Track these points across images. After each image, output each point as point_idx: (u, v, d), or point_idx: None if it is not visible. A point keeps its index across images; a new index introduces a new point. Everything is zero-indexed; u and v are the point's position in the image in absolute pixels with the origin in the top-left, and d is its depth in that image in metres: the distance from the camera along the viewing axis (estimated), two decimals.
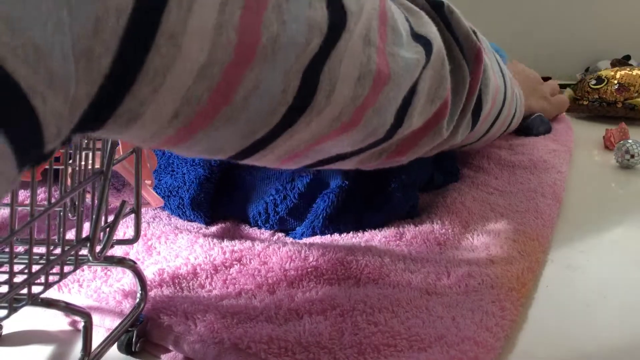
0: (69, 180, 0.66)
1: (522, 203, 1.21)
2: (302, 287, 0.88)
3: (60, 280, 0.65)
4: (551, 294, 0.92)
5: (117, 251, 0.99)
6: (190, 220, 1.12)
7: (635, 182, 1.44)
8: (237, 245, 0.98)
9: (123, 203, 0.69)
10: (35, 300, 0.65)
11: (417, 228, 1.07)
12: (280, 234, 1.07)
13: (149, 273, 0.90)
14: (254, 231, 1.08)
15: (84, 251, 0.67)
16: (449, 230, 1.06)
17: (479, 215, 1.14)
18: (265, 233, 1.07)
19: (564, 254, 1.05)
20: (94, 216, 0.66)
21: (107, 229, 0.69)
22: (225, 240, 1.02)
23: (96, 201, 0.66)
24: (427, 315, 0.80)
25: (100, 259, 0.67)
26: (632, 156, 1.50)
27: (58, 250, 0.64)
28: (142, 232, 1.06)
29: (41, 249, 0.67)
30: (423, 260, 0.96)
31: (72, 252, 0.65)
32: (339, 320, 0.78)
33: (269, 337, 0.73)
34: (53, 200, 0.62)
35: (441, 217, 1.10)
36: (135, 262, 0.77)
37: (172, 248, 0.99)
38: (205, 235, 1.04)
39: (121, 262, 0.76)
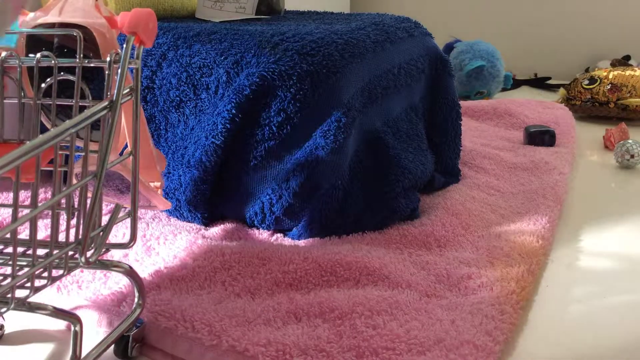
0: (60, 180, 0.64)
1: (523, 204, 1.21)
2: (301, 289, 0.87)
3: (49, 284, 0.63)
4: (551, 294, 0.91)
5: (117, 253, 0.99)
6: (189, 222, 1.11)
7: (635, 182, 1.43)
8: (236, 246, 0.97)
9: (117, 206, 0.67)
10: (22, 304, 0.63)
11: (417, 230, 1.06)
12: (279, 235, 1.07)
13: (148, 274, 0.90)
14: (253, 232, 1.07)
15: (78, 255, 0.65)
16: (449, 232, 1.06)
17: (479, 217, 1.13)
18: (264, 234, 1.07)
19: (564, 254, 1.05)
20: (84, 219, 0.63)
21: (101, 233, 0.67)
22: (224, 241, 1.02)
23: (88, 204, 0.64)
24: (426, 318, 0.79)
25: (92, 263, 0.65)
26: (632, 156, 1.49)
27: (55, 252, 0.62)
28: (142, 233, 1.06)
29: (40, 252, 0.66)
30: (423, 262, 0.95)
31: (62, 256, 0.63)
32: (338, 322, 0.78)
33: (267, 340, 0.73)
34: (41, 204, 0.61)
35: (441, 219, 1.10)
36: (131, 267, 0.75)
37: (171, 249, 0.99)
38: (204, 237, 1.03)
39: (117, 266, 0.74)
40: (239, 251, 0.96)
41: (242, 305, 0.81)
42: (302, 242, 1.03)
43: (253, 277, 0.89)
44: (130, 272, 0.74)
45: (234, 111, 1.02)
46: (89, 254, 0.64)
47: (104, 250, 0.68)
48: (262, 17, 1.45)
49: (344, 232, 1.05)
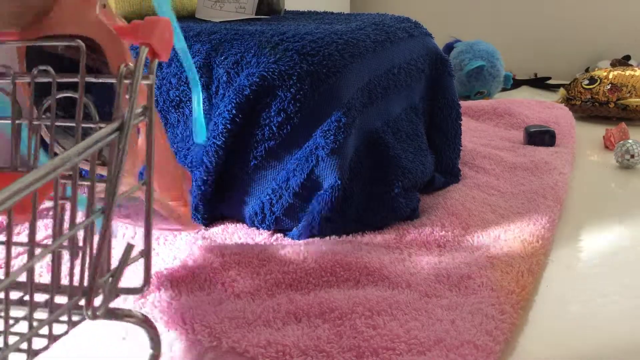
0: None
1: (523, 205, 1.20)
2: (301, 289, 0.87)
3: (50, 344, 0.54)
4: (551, 294, 0.91)
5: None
6: None
7: (635, 182, 1.43)
8: (236, 247, 0.97)
9: (129, 246, 0.56)
10: None
11: (417, 230, 1.06)
12: (279, 235, 1.07)
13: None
14: (253, 232, 1.07)
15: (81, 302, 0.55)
16: (449, 232, 1.06)
17: (479, 217, 1.13)
18: (264, 234, 1.07)
19: (564, 254, 1.05)
20: (90, 264, 0.53)
21: (110, 279, 0.56)
22: (224, 241, 1.01)
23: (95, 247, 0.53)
24: (426, 318, 0.79)
25: (100, 317, 0.55)
26: (632, 156, 1.49)
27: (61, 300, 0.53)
28: (141, 234, 1.06)
29: (37, 297, 0.56)
30: (422, 263, 0.95)
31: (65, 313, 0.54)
32: (338, 323, 0.78)
33: (267, 341, 0.73)
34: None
35: (441, 219, 1.10)
36: (145, 316, 0.63)
37: (171, 250, 0.99)
38: (204, 237, 1.03)
39: (129, 315, 0.62)
40: (238, 252, 0.95)
41: (242, 306, 0.81)
42: (302, 242, 1.02)
43: (253, 278, 0.89)
44: (145, 321, 0.63)
45: (234, 111, 1.02)
46: (96, 305, 0.54)
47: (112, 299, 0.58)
48: (262, 17, 1.45)
49: (344, 232, 1.05)
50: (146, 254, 0.58)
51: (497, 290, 0.86)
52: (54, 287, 0.54)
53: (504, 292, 0.85)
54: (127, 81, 0.57)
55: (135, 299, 0.83)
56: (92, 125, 0.60)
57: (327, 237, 1.04)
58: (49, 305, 0.53)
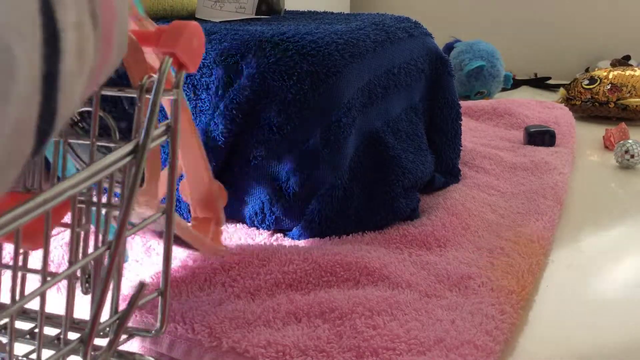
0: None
1: (523, 204, 1.20)
2: (301, 289, 0.87)
3: None
4: (551, 294, 0.91)
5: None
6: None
7: (635, 182, 1.43)
8: (235, 247, 0.97)
9: (141, 285, 0.50)
10: None
11: (417, 230, 1.06)
12: (279, 235, 1.07)
13: (147, 276, 0.90)
14: (253, 232, 1.07)
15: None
16: (449, 232, 1.06)
17: (479, 217, 1.13)
18: (264, 234, 1.07)
19: (564, 254, 1.05)
20: (92, 303, 0.46)
21: (117, 322, 0.49)
22: (224, 242, 1.01)
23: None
24: (426, 318, 0.79)
25: None
26: (632, 156, 1.49)
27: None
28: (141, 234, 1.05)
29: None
30: (423, 263, 0.95)
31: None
32: (338, 323, 0.77)
33: (267, 341, 0.72)
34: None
35: (441, 219, 1.10)
36: None
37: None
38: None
39: None
40: (238, 252, 0.95)
41: (242, 306, 0.81)
42: (302, 242, 1.02)
43: (253, 278, 0.89)
44: None
45: (234, 111, 1.02)
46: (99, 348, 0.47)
47: (124, 337, 0.51)
48: (262, 17, 1.45)
49: (344, 232, 1.05)
50: (163, 292, 0.51)
51: (497, 290, 0.86)
52: (42, 330, 0.46)
53: (504, 292, 0.85)
54: (149, 95, 0.50)
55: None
56: (111, 144, 0.53)
57: (327, 237, 1.04)
58: (37, 351, 0.46)
